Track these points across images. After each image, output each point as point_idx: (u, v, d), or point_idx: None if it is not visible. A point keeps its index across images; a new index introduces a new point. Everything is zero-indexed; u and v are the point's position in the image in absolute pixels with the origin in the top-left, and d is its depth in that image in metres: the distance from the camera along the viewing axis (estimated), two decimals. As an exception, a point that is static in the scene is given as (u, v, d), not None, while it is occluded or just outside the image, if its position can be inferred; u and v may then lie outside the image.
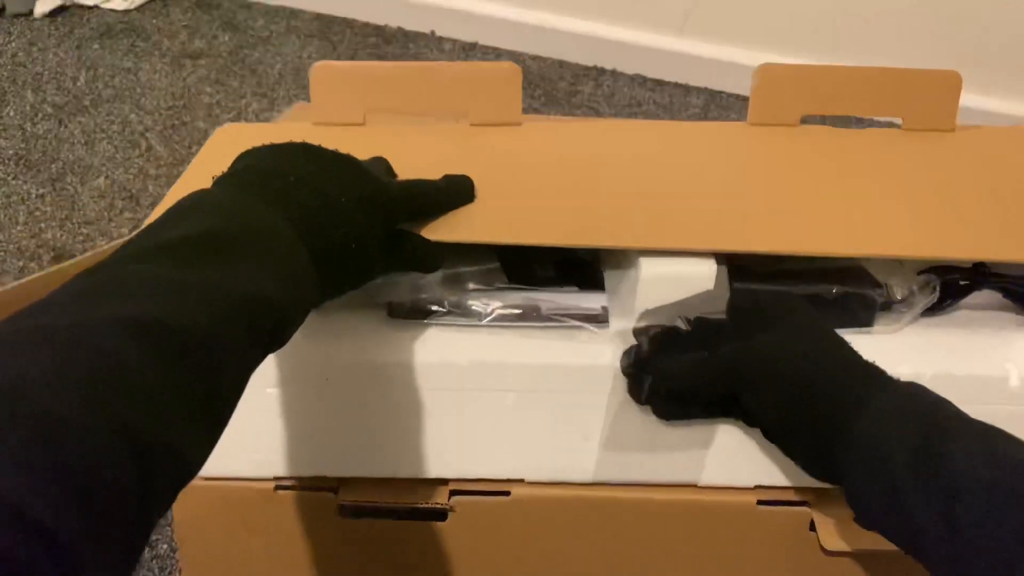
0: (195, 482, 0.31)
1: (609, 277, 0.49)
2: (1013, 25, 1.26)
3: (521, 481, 0.50)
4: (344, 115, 0.56)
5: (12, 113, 1.34)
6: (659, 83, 1.48)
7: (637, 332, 0.46)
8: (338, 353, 0.47)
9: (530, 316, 0.48)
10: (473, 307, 0.48)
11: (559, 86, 1.46)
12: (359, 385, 0.47)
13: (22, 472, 0.22)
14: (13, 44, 1.46)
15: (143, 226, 0.44)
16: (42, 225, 1.17)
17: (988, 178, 0.53)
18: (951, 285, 0.49)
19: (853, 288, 0.47)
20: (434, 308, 0.48)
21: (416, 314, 0.48)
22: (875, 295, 0.48)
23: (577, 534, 0.51)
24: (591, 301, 0.48)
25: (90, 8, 1.53)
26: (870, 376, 0.39)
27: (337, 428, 0.49)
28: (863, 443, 0.36)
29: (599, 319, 0.48)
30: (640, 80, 1.49)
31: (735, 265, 0.46)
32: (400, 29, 1.59)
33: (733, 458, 0.48)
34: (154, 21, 1.53)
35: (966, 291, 0.50)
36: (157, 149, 1.29)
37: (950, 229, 0.48)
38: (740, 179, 0.52)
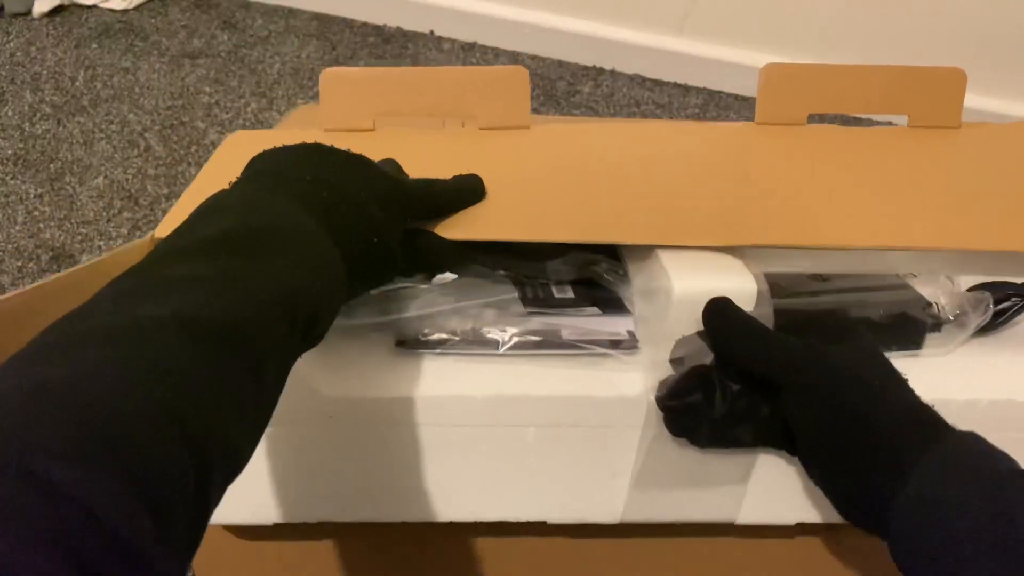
0: None
1: (637, 297, 0.46)
2: (1016, 25, 1.26)
3: (543, 523, 0.47)
4: (354, 121, 0.56)
5: (10, 113, 1.33)
6: (658, 83, 1.48)
7: (674, 362, 0.42)
8: (342, 388, 0.43)
9: (551, 343, 0.44)
10: (488, 335, 0.44)
11: (558, 86, 1.46)
12: (365, 422, 0.44)
13: (83, 467, 0.22)
14: (12, 44, 1.46)
15: (155, 232, 0.44)
16: (40, 225, 1.17)
17: (997, 173, 0.53)
18: (1004, 302, 0.46)
19: (902, 309, 0.45)
20: (446, 337, 0.44)
21: (427, 344, 0.44)
22: (925, 316, 0.44)
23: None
24: (616, 325, 0.45)
25: (88, 8, 1.53)
26: (929, 423, 0.36)
27: (342, 470, 0.46)
28: (917, 496, 0.34)
29: (627, 345, 0.44)
30: (639, 80, 1.49)
31: (774, 284, 0.43)
32: (399, 29, 1.59)
33: (774, 493, 0.46)
34: (152, 21, 1.53)
35: (1021, 309, 0.47)
36: (156, 149, 1.29)
37: (967, 221, 0.47)
38: (753, 177, 0.51)
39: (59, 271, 1.13)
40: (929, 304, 0.45)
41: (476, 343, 0.44)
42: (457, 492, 0.46)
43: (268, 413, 0.32)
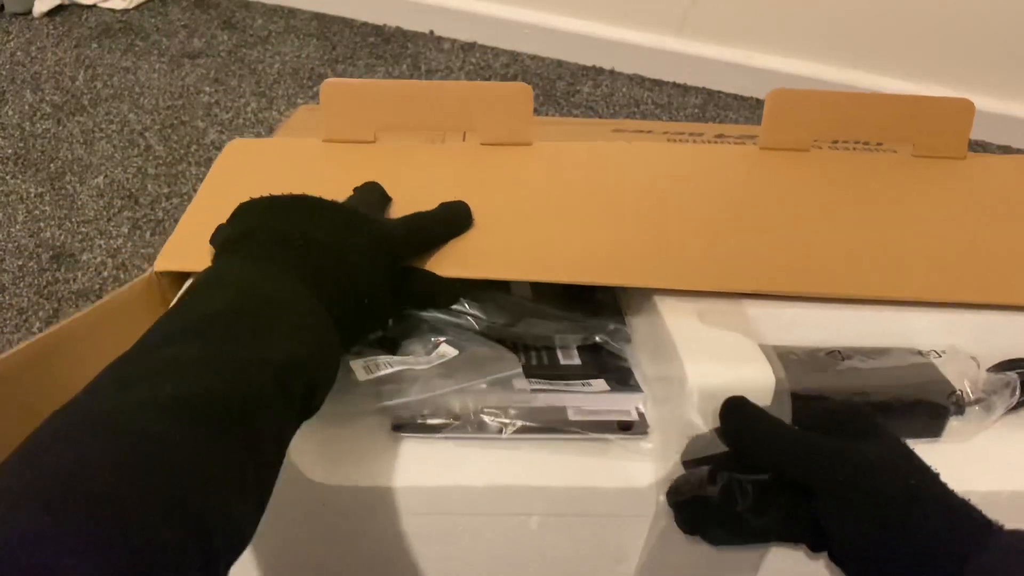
0: None
1: (649, 375, 0.44)
2: (1017, 25, 1.26)
3: None
4: (355, 132, 0.55)
5: (11, 112, 1.34)
6: (657, 83, 1.49)
7: (687, 463, 0.39)
8: (335, 474, 0.41)
9: (555, 427, 0.41)
10: (491, 422, 0.41)
11: (557, 86, 1.46)
12: (361, 510, 0.42)
13: (87, 557, 0.23)
14: (12, 43, 1.46)
15: (155, 267, 0.45)
16: (41, 224, 1.17)
17: (1005, 214, 0.52)
18: None
19: (924, 395, 0.42)
20: (445, 422, 0.42)
21: (425, 428, 0.42)
22: (948, 403, 0.42)
23: None
24: (625, 403, 0.42)
25: (89, 7, 1.53)
26: (975, 522, 0.35)
27: (334, 559, 0.44)
28: None
29: (637, 428, 0.42)
30: (638, 80, 1.49)
31: (788, 363, 0.41)
32: (399, 29, 1.59)
33: None
34: (152, 20, 1.53)
35: None
36: (156, 148, 1.29)
37: (974, 269, 0.46)
38: (755, 213, 0.51)
39: (59, 270, 1.14)
40: (953, 391, 0.42)
41: (477, 427, 0.42)
42: None
43: (269, 488, 0.33)
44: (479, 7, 1.52)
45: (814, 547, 0.38)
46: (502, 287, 0.49)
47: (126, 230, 1.17)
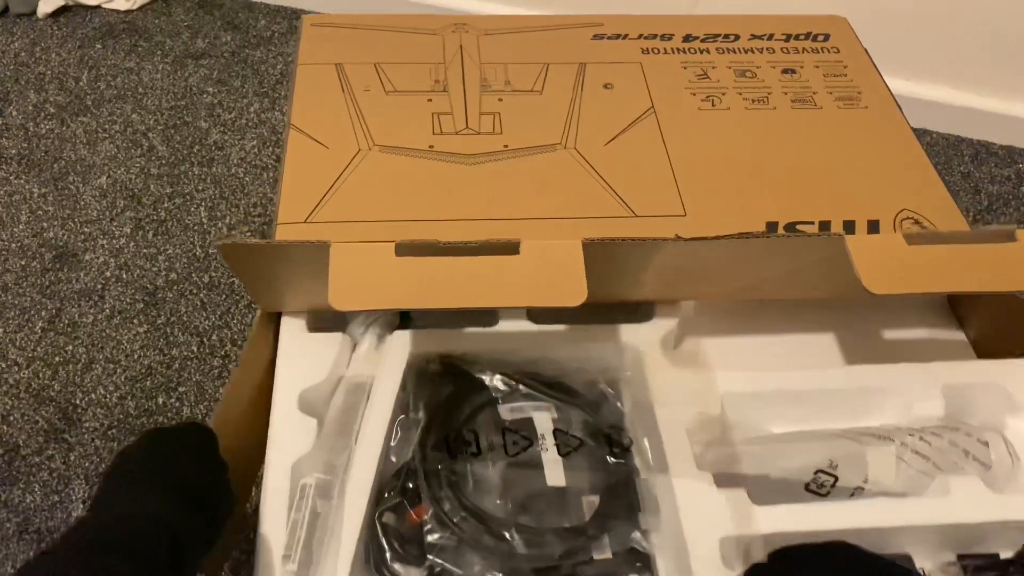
0: None
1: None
2: (1016, 25, 1.26)
3: None
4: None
5: (15, 113, 1.34)
6: (659, 83, 1.49)
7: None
8: None
9: None
10: None
11: (559, 86, 1.47)
12: None
13: None
14: (16, 44, 1.47)
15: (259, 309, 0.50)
16: (44, 224, 1.18)
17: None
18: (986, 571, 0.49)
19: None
20: None
21: None
22: None
23: None
24: None
25: (92, 8, 1.54)
26: None
27: None
28: None
29: None
30: (640, 80, 1.49)
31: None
32: (401, 29, 1.60)
33: None
34: (156, 21, 1.54)
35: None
36: (159, 149, 1.29)
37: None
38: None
39: (62, 270, 1.14)
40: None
41: None
42: None
43: None
44: (480, 7, 1.53)
45: None
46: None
47: (128, 230, 1.18)
